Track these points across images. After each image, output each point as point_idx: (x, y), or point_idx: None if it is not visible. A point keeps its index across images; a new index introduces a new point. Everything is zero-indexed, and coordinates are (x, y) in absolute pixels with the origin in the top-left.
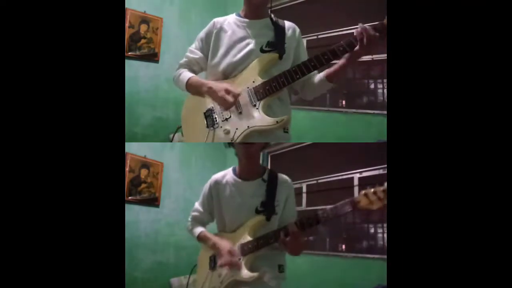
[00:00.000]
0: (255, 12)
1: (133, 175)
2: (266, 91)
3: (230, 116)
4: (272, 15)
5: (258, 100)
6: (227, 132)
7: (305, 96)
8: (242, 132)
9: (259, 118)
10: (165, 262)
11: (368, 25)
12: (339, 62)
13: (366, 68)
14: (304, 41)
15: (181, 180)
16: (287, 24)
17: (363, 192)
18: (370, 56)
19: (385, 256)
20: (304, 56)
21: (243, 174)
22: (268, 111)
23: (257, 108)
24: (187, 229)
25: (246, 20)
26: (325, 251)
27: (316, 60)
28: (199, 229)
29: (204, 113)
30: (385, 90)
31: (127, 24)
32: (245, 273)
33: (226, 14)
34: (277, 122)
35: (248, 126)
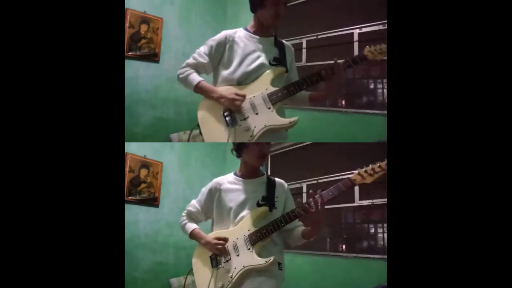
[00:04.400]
0: (264, 30)
1: (133, 175)
2: (279, 97)
3: (248, 117)
4: (276, 36)
5: (273, 104)
6: (247, 130)
7: (287, 104)
8: (260, 130)
9: (274, 118)
10: (164, 262)
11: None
12: (322, 93)
13: (366, 68)
14: (304, 41)
15: (181, 180)
16: (285, 43)
17: (357, 171)
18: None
19: (385, 256)
20: (295, 71)
21: (245, 174)
22: (277, 113)
23: (272, 111)
24: (180, 224)
25: (256, 36)
26: (325, 251)
27: (318, 75)
28: (192, 226)
29: (224, 114)
30: (385, 90)
31: (127, 24)
32: (260, 259)
33: (225, 14)
34: (290, 122)
35: (265, 125)
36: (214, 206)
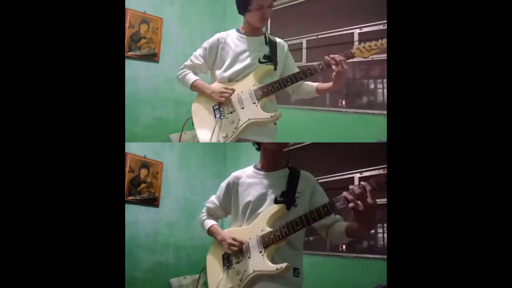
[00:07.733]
0: (254, 31)
1: (133, 175)
2: (263, 93)
3: (235, 110)
4: (267, 34)
5: (258, 99)
6: (232, 122)
7: (295, 97)
8: (244, 123)
9: (258, 112)
10: (164, 262)
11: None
12: (329, 83)
13: (366, 68)
14: (304, 41)
15: (181, 180)
16: (278, 40)
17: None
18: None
19: (385, 256)
20: (293, 66)
21: (264, 167)
22: (263, 108)
23: (256, 106)
24: (199, 220)
25: (246, 36)
26: (325, 251)
27: (302, 73)
28: (210, 222)
29: (213, 107)
30: (385, 90)
31: (127, 24)
32: (270, 265)
33: (225, 14)
34: (271, 116)
35: (249, 118)
36: (232, 201)
